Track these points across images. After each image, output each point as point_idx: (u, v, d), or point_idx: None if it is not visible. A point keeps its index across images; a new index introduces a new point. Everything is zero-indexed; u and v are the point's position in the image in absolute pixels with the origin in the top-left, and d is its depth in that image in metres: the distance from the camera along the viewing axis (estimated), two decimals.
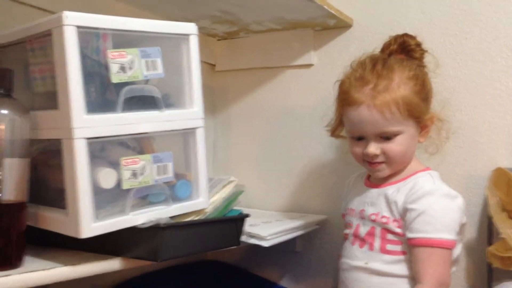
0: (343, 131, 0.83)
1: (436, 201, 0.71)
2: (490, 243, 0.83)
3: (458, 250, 0.74)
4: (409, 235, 0.71)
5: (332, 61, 1.03)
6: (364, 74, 0.75)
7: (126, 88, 0.65)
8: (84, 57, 0.61)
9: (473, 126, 0.89)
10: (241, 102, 1.16)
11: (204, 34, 1.11)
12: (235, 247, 0.76)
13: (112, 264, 0.64)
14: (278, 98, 1.11)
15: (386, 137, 0.74)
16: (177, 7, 0.94)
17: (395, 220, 0.74)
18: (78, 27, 0.60)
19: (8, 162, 0.59)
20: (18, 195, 0.59)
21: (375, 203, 0.77)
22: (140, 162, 0.65)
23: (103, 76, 0.64)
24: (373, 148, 0.74)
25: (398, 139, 0.74)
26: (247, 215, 0.77)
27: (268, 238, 0.83)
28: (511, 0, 0.87)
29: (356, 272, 0.76)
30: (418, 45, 0.80)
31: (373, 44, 0.84)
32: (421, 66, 0.79)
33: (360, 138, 0.76)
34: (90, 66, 0.63)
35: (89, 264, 0.62)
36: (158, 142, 0.70)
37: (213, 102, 1.19)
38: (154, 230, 0.64)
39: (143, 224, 0.64)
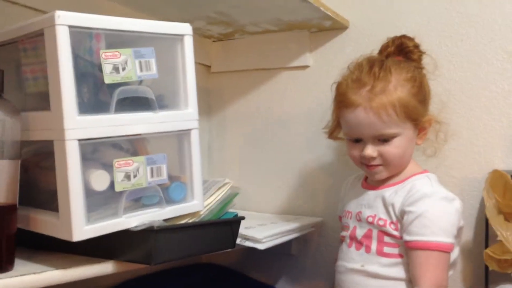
0: (340, 133, 0.83)
1: (433, 204, 0.71)
2: (487, 245, 0.83)
3: (455, 253, 0.74)
4: (407, 238, 0.71)
5: (328, 63, 1.03)
6: (361, 76, 0.74)
7: (119, 89, 0.64)
8: (76, 57, 0.60)
9: (469, 128, 0.89)
10: (236, 104, 1.15)
11: (200, 35, 1.11)
12: (230, 250, 0.76)
13: (104, 268, 0.63)
14: (274, 100, 1.10)
15: (383, 140, 0.73)
16: (172, 8, 0.93)
17: (392, 223, 0.73)
18: (71, 26, 0.59)
19: None
20: (9, 197, 0.58)
21: (372, 205, 0.76)
22: (133, 164, 0.64)
23: (96, 76, 0.63)
24: (370, 150, 0.74)
25: (395, 141, 0.73)
26: (242, 218, 0.76)
27: (264, 240, 0.82)
28: (507, 2, 0.87)
29: (352, 275, 0.76)
30: (416, 46, 0.80)
31: (369, 46, 0.84)
32: (419, 68, 0.79)
33: (358, 140, 0.76)
34: (83, 66, 0.62)
35: (81, 268, 0.61)
36: (152, 144, 0.69)
37: (209, 104, 1.19)
38: (148, 233, 0.63)
39: (136, 227, 0.63)
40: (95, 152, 0.64)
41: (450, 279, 0.73)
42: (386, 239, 0.74)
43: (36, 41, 0.63)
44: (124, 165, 0.63)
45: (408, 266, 0.72)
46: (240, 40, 1.12)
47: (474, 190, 0.88)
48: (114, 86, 0.64)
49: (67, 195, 0.58)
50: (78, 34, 0.61)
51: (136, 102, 0.66)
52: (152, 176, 0.66)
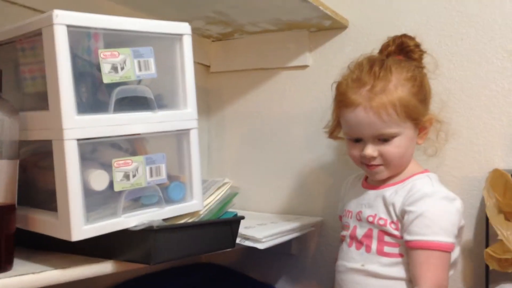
0: (341, 133, 0.82)
1: (434, 203, 0.71)
2: (487, 245, 0.83)
3: (456, 253, 0.74)
4: (407, 237, 0.71)
5: (327, 62, 1.03)
6: (361, 76, 0.74)
7: (118, 88, 0.64)
8: (74, 56, 0.60)
9: (469, 127, 0.89)
10: (236, 104, 1.15)
11: (199, 35, 1.11)
12: (230, 249, 0.75)
13: (104, 267, 0.63)
14: (273, 100, 1.10)
15: (384, 139, 0.73)
16: (171, 8, 0.93)
17: (392, 222, 0.73)
18: (69, 26, 0.59)
19: None
20: (7, 197, 0.58)
21: (373, 205, 0.76)
22: (132, 163, 0.64)
23: (94, 76, 0.63)
24: (370, 150, 0.73)
25: (396, 141, 0.73)
26: (242, 217, 0.76)
27: (263, 240, 0.82)
28: (507, 1, 0.87)
29: (352, 274, 0.76)
30: (417, 46, 0.79)
31: (369, 45, 0.84)
32: (420, 67, 0.79)
33: (358, 140, 0.76)
34: (81, 66, 0.62)
35: (80, 267, 0.61)
36: (151, 144, 0.69)
37: (208, 104, 1.18)
38: (147, 232, 0.63)
39: (135, 226, 0.63)
40: (94, 152, 0.64)
41: (451, 278, 0.73)
42: (387, 238, 0.73)
43: (34, 41, 0.63)
44: (123, 164, 0.63)
45: (409, 266, 0.71)
46: (239, 40, 1.12)
47: (474, 189, 0.87)
48: (112, 85, 0.64)
49: (66, 194, 0.58)
50: (77, 34, 0.61)
51: (135, 102, 0.66)
52: (151, 175, 0.66)
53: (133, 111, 0.65)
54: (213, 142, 1.18)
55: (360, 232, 0.76)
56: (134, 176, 0.64)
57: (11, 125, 0.60)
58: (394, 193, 0.74)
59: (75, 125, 0.59)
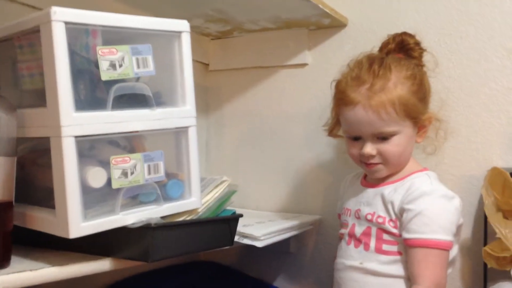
0: (340, 131, 0.82)
1: (433, 202, 0.71)
2: (485, 243, 0.83)
3: (454, 251, 0.74)
4: (406, 235, 0.71)
5: (326, 61, 1.03)
6: (360, 74, 0.74)
7: (116, 85, 0.64)
8: (73, 53, 0.60)
9: (468, 126, 0.89)
10: (234, 102, 1.15)
11: (198, 33, 1.10)
12: (228, 247, 0.75)
13: (102, 265, 0.63)
14: (272, 98, 1.10)
15: (383, 138, 0.73)
16: (170, 6, 0.93)
17: (391, 220, 0.73)
18: (67, 23, 0.59)
19: None
20: (4, 194, 0.58)
21: (371, 203, 0.76)
22: (130, 161, 0.64)
23: (92, 73, 0.63)
24: (369, 148, 0.73)
25: (395, 139, 0.73)
26: (240, 215, 0.76)
27: (262, 238, 0.82)
28: (506, 0, 0.87)
29: (350, 272, 0.75)
30: (417, 44, 0.79)
31: (368, 44, 0.83)
32: (420, 65, 0.79)
33: (357, 138, 0.76)
34: (79, 63, 0.62)
35: (78, 265, 0.61)
36: (150, 141, 0.69)
37: (206, 102, 1.18)
38: (145, 230, 0.63)
39: (133, 224, 0.63)
40: (92, 149, 0.64)
41: (449, 276, 0.73)
42: (385, 236, 0.73)
43: (32, 38, 0.63)
44: (121, 162, 0.63)
45: (407, 264, 0.71)
46: (238, 38, 1.12)
47: (472, 187, 0.87)
48: (111, 82, 0.63)
49: (63, 192, 0.58)
50: (75, 31, 0.60)
51: (133, 99, 0.66)
52: (149, 173, 0.66)
53: (131, 108, 0.65)
54: (212, 140, 1.17)
55: (358, 230, 0.76)
56: (132, 173, 0.64)
57: (9, 122, 0.60)
58: (393, 191, 0.74)
59: (73, 122, 0.59)
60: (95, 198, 0.61)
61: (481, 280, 0.85)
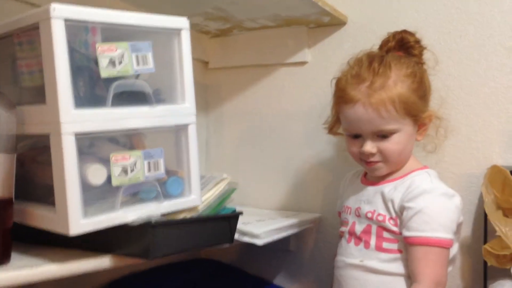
0: (340, 129, 0.82)
1: (433, 200, 0.71)
2: (485, 241, 0.83)
3: (455, 250, 0.74)
4: (406, 233, 0.71)
5: (326, 59, 1.03)
6: (360, 72, 0.74)
7: (116, 83, 0.64)
8: (72, 50, 0.60)
9: (467, 124, 0.89)
10: (234, 100, 1.15)
11: (197, 31, 1.10)
12: (228, 245, 0.75)
13: (102, 262, 0.63)
14: (272, 96, 1.10)
15: (383, 136, 0.73)
16: (169, 4, 0.92)
17: (391, 218, 0.73)
18: (66, 20, 0.59)
19: None
20: (4, 191, 0.58)
21: (372, 201, 0.76)
22: (130, 158, 0.64)
23: (92, 70, 0.63)
24: (369, 146, 0.73)
25: (395, 137, 0.73)
26: (240, 213, 0.76)
27: (262, 236, 0.82)
28: None
29: (351, 270, 0.75)
30: (417, 41, 0.79)
31: (368, 42, 0.83)
32: (420, 63, 0.78)
33: (357, 136, 0.75)
34: (79, 60, 0.62)
35: (78, 262, 0.61)
36: (149, 138, 0.68)
37: (206, 100, 1.18)
38: (145, 227, 0.63)
39: (133, 221, 0.63)
40: (92, 146, 0.63)
41: (449, 275, 0.73)
42: (385, 234, 0.73)
43: (32, 35, 0.63)
44: (121, 159, 0.63)
45: (407, 262, 0.71)
46: (237, 36, 1.12)
47: (472, 185, 0.87)
48: (110, 80, 0.63)
49: (63, 189, 0.58)
50: (74, 27, 0.60)
51: (132, 97, 0.66)
52: (149, 170, 0.66)
53: (131, 105, 0.65)
54: (211, 138, 1.17)
55: (359, 228, 0.76)
56: (132, 170, 0.64)
57: (9, 119, 0.59)
58: (393, 189, 0.74)
59: (73, 119, 0.59)
60: (95, 195, 0.61)
61: (481, 278, 0.85)
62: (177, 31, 0.70)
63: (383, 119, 0.72)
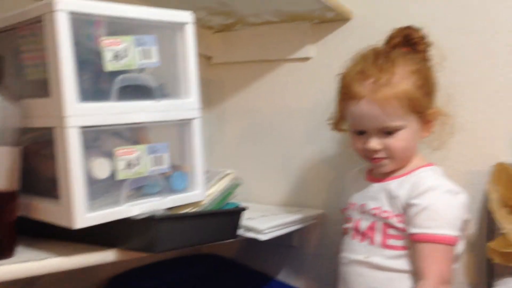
0: (345, 125, 0.82)
1: (439, 197, 0.70)
2: (490, 238, 0.82)
3: (460, 247, 0.73)
4: (412, 230, 0.70)
5: (330, 55, 1.02)
6: (365, 68, 0.73)
7: (121, 76, 0.64)
8: (76, 44, 0.60)
9: (473, 121, 0.88)
10: (237, 95, 1.15)
11: (200, 26, 1.10)
12: (231, 240, 0.75)
13: (106, 256, 0.63)
14: (275, 92, 1.09)
15: (388, 132, 0.73)
16: None
17: (396, 215, 0.73)
18: (70, 13, 0.59)
19: None
20: (9, 184, 0.58)
21: (377, 198, 0.76)
22: (134, 152, 0.64)
23: (96, 64, 0.63)
24: (374, 143, 0.73)
25: (400, 134, 0.73)
26: (244, 208, 0.76)
27: (265, 231, 0.82)
28: None
29: (355, 266, 0.75)
30: (423, 38, 0.78)
31: (373, 38, 0.83)
32: (425, 59, 0.78)
33: (362, 133, 0.75)
34: (83, 53, 0.62)
35: (83, 255, 0.61)
36: (154, 133, 0.68)
37: (209, 95, 1.18)
38: (149, 221, 0.63)
39: (138, 215, 0.63)
40: (96, 140, 0.63)
41: (453, 272, 0.73)
42: (391, 231, 0.73)
43: (36, 28, 0.62)
44: (125, 153, 0.63)
45: (413, 259, 0.71)
46: (241, 31, 1.11)
47: (478, 183, 0.87)
48: (115, 74, 0.63)
49: (68, 182, 0.58)
50: (78, 21, 0.60)
51: (137, 91, 0.66)
52: (153, 165, 0.66)
53: (135, 99, 0.65)
54: (214, 133, 1.17)
55: (363, 225, 0.76)
56: (136, 165, 0.64)
57: (13, 112, 0.59)
58: (399, 186, 0.74)
59: (77, 112, 0.59)
60: (100, 189, 0.61)
61: (485, 276, 0.85)
62: (181, 25, 0.70)
63: (388, 115, 0.71)
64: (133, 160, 0.63)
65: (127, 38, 0.64)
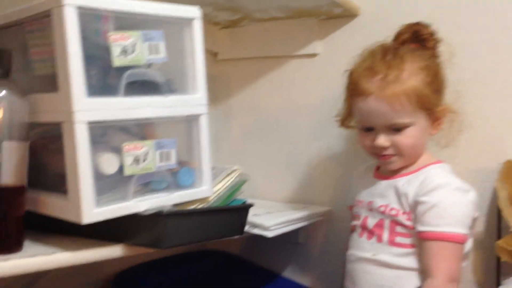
0: (352, 122, 0.81)
1: (448, 194, 0.70)
2: (499, 237, 0.82)
3: (469, 245, 0.73)
4: (420, 228, 0.70)
5: (337, 51, 1.01)
6: (373, 64, 0.73)
7: (129, 72, 0.63)
8: (84, 39, 0.59)
9: (482, 118, 0.87)
10: (243, 92, 1.14)
11: (207, 22, 1.09)
12: (237, 236, 0.75)
13: (113, 251, 0.63)
14: (282, 88, 1.09)
15: (396, 129, 0.72)
16: None
17: (404, 213, 0.72)
18: (78, 7, 0.58)
19: (7, 145, 0.57)
20: (17, 179, 0.58)
21: (385, 195, 0.75)
22: (142, 148, 0.64)
23: (104, 59, 0.63)
24: (382, 140, 0.73)
25: (408, 131, 0.72)
26: (251, 205, 0.75)
27: (272, 228, 0.82)
28: None
29: (363, 264, 0.75)
30: (432, 34, 0.78)
31: (380, 34, 0.82)
32: (435, 56, 0.77)
33: (369, 129, 0.75)
34: (91, 48, 0.61)
35: (90, 250, 0.61)
36: (161, 129, 0.68)
37: (215, 92, 1.17)
38: (157, 217, 0.63)
39: (145, 211, 0.63)
40: (104, 135, 0.63)
41: (462, 270, 0.72)
42: (398, 229, 0.73)
43: (44, 23, 0.62)
44: (133, 149, 0.63)
45: (421, 257, 0.71)
46: (247, 27, 1.11)
47: (486, 181, 0.86)
48: (122, 69, 0.63)
49: (76, 177, 0.58)
50: (86, 15, 0.60)
51: (144, 86, 0.66)
52: (161, 160, 0.65)
53: (143, 95, 0.65)
54: (220, 130, 1.17)
55: (371, 222, 0.76)
56: (144, 160, 0.64)
57: (21, 107, 0.59)
58: (407, 183, 0.74)
59: (85, 107, 0.59)
60: (107, 185, 0.61)
61: (493, 274, 0.84)
62: (189, 21, 0.70)
63: (396, 112, 0.71)
64: (140, 156, 0.63)
65: (135, 33, 0.64)
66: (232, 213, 0.73)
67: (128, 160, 0.62)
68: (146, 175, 0.64)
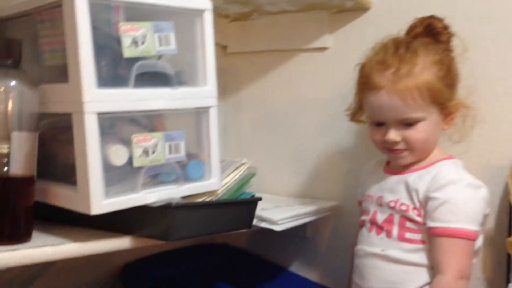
0: (363, 116, 0.81)
1: (459, 190, 0.69)
2: (509, 233, 0.81)
3: (480, 242, 0.72)
4: (431, 224, 0.69)
5: (347, 45, 1.00)
6: (385, 58, 0.72)
7: (139, 63, 0.63)
8: (95, 29, 0.59)
9: (494, 114, 0.86)
10: (253, 85, 1.14)
11: (216, 14, 1.08)
12: (245, 230, 0.75)
13: (122, 242, 0.63)
14: (291, 82, 1.08)
15: (407, 124, 0.71)
16: None
17: (415, 208, 0.72)
18: None
19: (16, 135, 0.57)
20: (27, 169, 0.58)
21: (395, 190, 0.75)
22: (151, 140, 0.63)
23: (114, 49, 0.62)
24: (393, 135, 0.72)
25: (420, 126, 0.71)
26: (259, 198, 0.75)
27: (280, 222, 0.81)
28: None
29: (372, 259, 0.75)
30: (446, 28, 0.76)
31: (392, 28, 0.81)
32: (448, 50, 0.76)
33: (380, 124, 0.74)
34: (101, 39, 0.61)
35: (99, 242, 0.61)
36: (170, 121, 0.68)
37: (224, 85, 1.17)
38: (166, 209, 0.62)
39: (154, 203, 0.63)
40: (113, 127, 0.63)
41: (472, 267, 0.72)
42: (408, 224, 0.72)
43: (54, 13, 0.62)
44: (142, 140, 0.63)
45: (431, 253, 0.70)
46: (257, 21, 1.10)
47: (498, 177, 0.85)
48: (132, 60, 0.63)
49: (85, 168, 0.58)
50: (97, 6, 0.60)
51: (155, 78, 0.65)
52: (170, 153, 0.65)
53: (153, 87, 0.65)
54: (229, 123, 1.16)
55: (380, 217, 0.75)
56: (153, 152, 0.64)
57: (31, 97, 0.59)
58: (418, 178, 0.73)
59: (95, 98, 0.59)
60: (117, 176, 0.61)
61: (503, 271, 0.83)
62: (199, 12, 0.69)
63: (408, 107, 0.70)
64: (149, 148, 0.63)
65: (145, 24, 0.63)
66: (241, 206, 0.73)
67: (137, 152, 0.62)
68: (155, 167, 0.64)
